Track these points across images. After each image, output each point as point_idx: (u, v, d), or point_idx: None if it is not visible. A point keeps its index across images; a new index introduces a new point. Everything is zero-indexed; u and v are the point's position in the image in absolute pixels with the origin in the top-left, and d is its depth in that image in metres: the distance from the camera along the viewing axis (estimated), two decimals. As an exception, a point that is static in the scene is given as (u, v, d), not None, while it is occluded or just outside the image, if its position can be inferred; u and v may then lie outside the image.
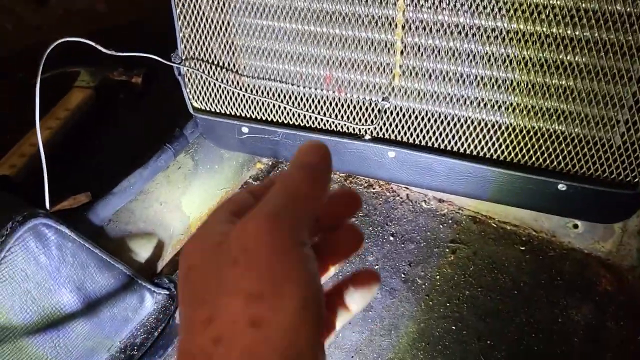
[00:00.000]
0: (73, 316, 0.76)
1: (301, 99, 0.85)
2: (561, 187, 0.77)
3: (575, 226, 0.92)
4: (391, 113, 0.81)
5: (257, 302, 0.29)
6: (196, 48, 0.87)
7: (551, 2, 0.67)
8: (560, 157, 0.75)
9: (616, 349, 0.80)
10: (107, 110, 1.15)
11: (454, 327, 0.85)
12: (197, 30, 0.86)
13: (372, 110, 0.82)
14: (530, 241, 0.95)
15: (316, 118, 0.85)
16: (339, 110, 0.84)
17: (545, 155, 0.76)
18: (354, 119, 0.83)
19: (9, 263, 0.68)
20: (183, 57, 0.88)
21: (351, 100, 0.82)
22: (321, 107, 0.85)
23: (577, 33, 0.68)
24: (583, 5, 0.66)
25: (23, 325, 0.71)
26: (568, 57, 0.69)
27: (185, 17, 0.85)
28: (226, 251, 0.31)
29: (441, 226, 0.99)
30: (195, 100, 0.92)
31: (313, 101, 0.85)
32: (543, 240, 0.94)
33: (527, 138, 0.76)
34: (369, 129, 0.82)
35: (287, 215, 0.32)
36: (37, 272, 0.71)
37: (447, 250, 0.95)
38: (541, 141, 0.75)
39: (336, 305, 0.35)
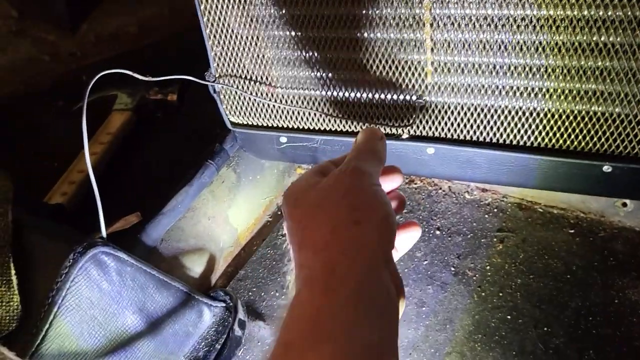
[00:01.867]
0: (138, 336, 0.79)
1: (336, 104, 0.86)
2: (606, 168, 0.76)
3: (624, 204, 0.90)
4: (427, 110, 0.82)
5: (357, 211, 0.44)
6: (228, 65, 0.89)
7: (580, -15, 0.66)
8: (603, 139, 0.74)
9: (678, 326, 0.79)
10: (146, 130, 1.18)
11: (509, 317, 0.85)
12: (228, 48, 0.87)
13: (408, 109, 0.82)
14: (579, 223, 0.94)
15: (352, 122, 0.86)
16: (374, 112, 0.85)
17: (588, 138, 0.75)
18: (390, 119, 0.84)
19: (75, 292, 0.71)
20: (217, 75, 0.90)
21: (386, 101, 0.83)
22: (356, 110, 0.85)
23: (609, 13, 0.67)
24: (613, -15, 0.65)
25: (93, 350, 0.74)
26: (602, 38, 0.68)
27: (215, 36, 0.87)
28: (326, 186, 0.47)
29: (487, 216, 0.99)
30: (232, 115, 0.94)
31: (348, 105, 0.86)
32: (592, 222, 0.93)
33: (567, 122, 0.75)
34: (406, 127, 0.83)
35: (365, 168, 0.48)
36: (101, 298, 0.74)
37: (495, 239, 0.95)
38: (582, 124, 0.75)
39: None
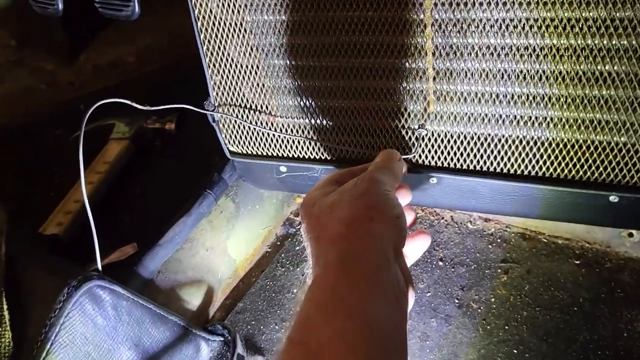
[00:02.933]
0: (133, 373, 0.77)
1: (337, 133, 0.85)
2: (613, 198, 0.75)
3: (630, 235, 0.89)
4: (429, 139, 0.80)
5: (371, 209, 0.49)
6: (228, 94, 0.88)
7: (584, 14, 0.66)
8: (609, 169, 0.73)
9: (689, 360, 0.77)
10: (144, 160, 1.17)
11: (515, 351, 0.82)
12: (228, 77, 0.86)
13: (410, 138, 0.81)
14: (584, 254, 0.92)
15: (353, 151, 0.85)
16: (376, 141, 0.83)
17: (593, 168, 0.74)
18: (392, 148, 0.83)
19: (68, 328, 0.69)
20: (216, 104, 0.89)
21: (388, 129, 0.82)
22: (357, 139, 0.84)
23: (613, 42, 0.66)
24: (617, 14, 0.64)
25: (86, 388, 0.71)
26: (607, 67, 0.68)
27: (215, 65, 0.86)
28: (343, 190, 0.53)
29: (490, 246, 0.97)
30: (232, 145, 0.93)
31: (349, 134, 0.84)
32: (598, 252, 0.92)
33: (572, 152, 0.74)
34: (407, 157, 0.82)
35: (380, 178, 0.54)
36: (96, 333, 0.72)
37: (499, 270, 0.93)
38: (587, 154, 0.74)
39: None
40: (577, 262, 0.91)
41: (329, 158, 0.88)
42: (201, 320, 0.95)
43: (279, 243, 1.11)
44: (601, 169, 0.74)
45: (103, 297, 0.72)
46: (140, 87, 1.41)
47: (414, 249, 0.59)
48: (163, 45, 1.51)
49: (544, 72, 0.70)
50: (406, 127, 0.81)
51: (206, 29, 0.84)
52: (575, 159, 0.74)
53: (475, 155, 0.79)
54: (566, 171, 0.75)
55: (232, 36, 0.83)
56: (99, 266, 0.77)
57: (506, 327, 0.86)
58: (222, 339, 0.89)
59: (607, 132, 0.71)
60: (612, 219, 0.77)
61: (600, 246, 0.92)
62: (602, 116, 0.71)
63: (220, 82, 0.88)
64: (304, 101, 0.85)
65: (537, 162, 0.76)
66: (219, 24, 0.83)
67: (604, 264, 0.90)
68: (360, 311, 0.41)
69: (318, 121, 0.85)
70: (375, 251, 0.46)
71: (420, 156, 0.82)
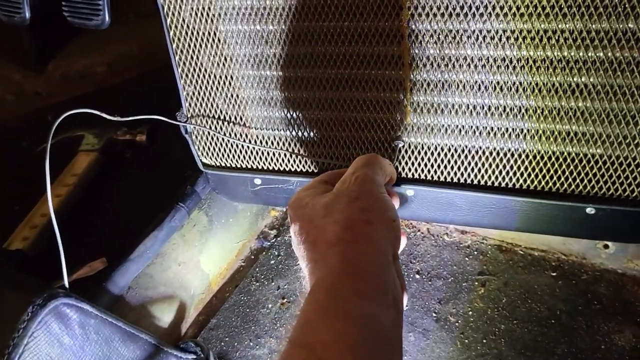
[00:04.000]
0: (101, 395, 0.73)
1: (312, 144, 0.84)
2: (590, 210, 0.75)
3: (606, 246, 0.89)
4: (406, 151, 0.80)
5: (368, 212, 0.49)
6: (201, 105, 0.86)
7: (560, 26, 0.66)
8: (586, 181, 0.73)
9: (666, 372, 0.77)
10: (114, 172, 1.14)
11: (493, 365, 0.82)
12: (201, 87, 0.85)
13: (386, 150, 0.80)
14: (560, 266, 0.92)
15: (329, 164, 0.84)
16: (352, 153, 0.82)
17: (570, 179, 0.74)
18: (368, 160, 0.82)
19: (33, 349, 0.65)
20: (189, 115, 0.87)
21: (364, 141, 0.81)
22: (333, 151, 0.83)
23: (589, 54, 0.66)
24: (593, 26, 0.64)
25: (51, 412, 0.68)
26: (582, 79, 0.68)
27: (187, 75, 0.84)
28: (337, 191, 0.53)
29: (467, 259, 0.96)
30: (205, 157, 0.91)
31: (325, 146, 0.83)
32: (574, 264, 0.92)
33: (549, 164, 0.74)
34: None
35: (373, 176, 0.54)
36: (62, 354, 0.69)
37: (477, 283, 0.92)
38: (564, 166, 0.73)
39: None
40: (554, 274, 0.91)
41: (304, 170, 0.86)
42: (173, 338, 0.92)
43: (253, 257, 1.09)
44: (578, 180, 0.73)
45: (70, 316, 0.69)
46: (110, 97, 1.38)
47: None
48: (134, 56, 1.48)
49: (520, 83, 0.70)
50: (383, 139, 0.80)
51: (179, 39, 0.82)
52: (552, 171, 0.74)
53: (452, 167, 0.78)
54: (543, 183, 0.75)
55: (206, 46, 0.81)
56: (66, 283, 0.74)
57: (484, 341, 0.85)
58: (194, 356, 0.86)
59: (583, 144, 0.71)
60: (588, 230, 0.77)
61: (576, 258, 0.92)
62: (579, 128, 0.71)
63: (193, 93, 0.86)
64: (279, 112, 0.83)
65: (515, 174, 0.76)
66: (192, 33, 0.81)
67: (580, 275, 0.90)
68: (361, 314, 0.41)
69: (293, 133, 0.84)
70: (375, 255, 0.46)
71: (397, 168, 0.81)
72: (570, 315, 0.85)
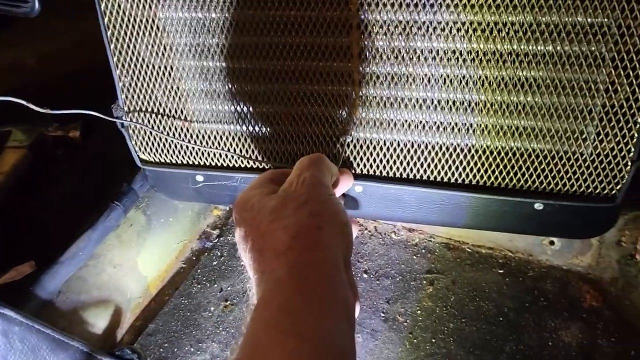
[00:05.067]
0: (27, 409, 0.68)
1: (257, 140, 0.80)
2: (538, 206, 0.74)
3: (552, 243, 0.89)
4: (355, 146, 0.77)
5: (318, 217, 0.46)
6: (139, 97, 0.81)
7: (510, 18, 0.65)
8: (535, 176, 0.72)
9: (612, 367, 0.77)
10: (45, 170, 1.07)
11: (443, 365, 0.80)
12: (139, 78, 0.80)
13: (335, 145, 0.78)
14: (507, 263, 0.92)
15: (275, 159, 0.81)
16: (299, 149, 0.79)
17: (519, 174, 0.73)
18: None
19: (-54, 361, 0.59)
20: (125, 108, 0.82)
21: (311, 136, 0.78)
22: (279, 146, 0.80)
23: (539, 48, 0.65)
24: (543, 19, 0.64)
25: None
26: (532, 73, 0.67)
27: (124, 65, 0.79)
28: (284, 194, 0.49)
29: (415, 257, 0.95)
30: (143, 152, 0.86)
31: (270, 141, 0.80)
32: (520, 261, 0.92)
33: (498, 159, 0.73)
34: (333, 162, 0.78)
35: (321, 178, 0.51)
36: (-19, 366, 0.63)
37: (425, 282, 0.91)
38: (513, 161, 0.73)
39: None
40: (501, 271, 0.91)
41: (248, 166, 0.83)
42: (107, 345, 0.87)
43: (194, 258, 1.04)
44: (527, 176, 0.73)
45: (-9, 324, 0.63)
46: (41, 92, 1.30)
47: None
48: (67, 49, 1.41)
49: (470, 77, 0.69)
50: (331, 133, 0.77)
51: (114, 26, 0.77)
52: (501, 166, 0.73)
53: (401, 163, 0.77)
54: (492, 178, 0.74)
55: (143, 34, 0.77)
56: (-13, 288, 0.68)
57: (433, 340, 0.83)
58: (131, 364, 0.81)
59: (532, 139, 0.71)
60: (537, 226, 0.76)
61: (522, 255, 0.92)
62: (527, 123, 0.70)
63: (130, 84, 0.81)
64: (222, 106, 0.79)
65: (464, 169, 0.75)
66: (129, 20, 0.76)
67: (527, 272, 0.90)
68: (314, 330, 0.38)
69: (237, 127, 0.80)
70: (326, 264, 0.43)
71: (345, 163, 0.78)
72: (518, 312, 0.85)
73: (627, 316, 0.84)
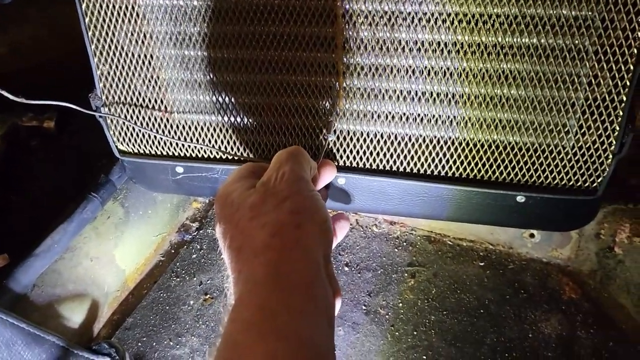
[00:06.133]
0: (1, 405, 0.66)
1: (239, 131, 0.79)
2: (520, 199, 0.74)
3: (532, 235, 0.90)
4: (338, 138, 0.76)
5: (298, 215, 0.44)
6: (117, 86, 0.79)
7: (495, 10, 0.65)
8: (517, 168, 0.73)
9: (591, 358, 0.78)
10: (18, 161, 1.04)
11: (424, 357, 0.80)
12: (117, 67, 0.78)
13: (318, 136, 0.77)
14: (488, 256, 0.92)
15: (257, 150, 0.79)
16: (282, 140, 0.78)
17: (502, 167, 0.73)
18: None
19: None
20: (103, 97, 0.80)
21: (294, 127, 0.77)
22: (262, 138, 0.79)
23: (523, 40, 0.65)
24: (528, 11, 0.64)
25: None
26: (517, 66, 0.67)
27: (102, 53, 0.77)
28: (263, 189, 0.47)
29: (396, 250, 0.95)
30: (121, 143, 0.84)
31: (252, 133, 0.79)
32: (501, 254, 0.92)
33: (481, 152, 0.73)
34: (315, 156, 0.77)
35: (301, 173, 0.50)
36: (-47, 361, 0.61)
37: (406, 274, 0.91)
38: (496, 154, 0.73)
39: None
40: (482, 264, 0.91)
41: (230, 157, 0.82)
42: (84, 339, 0.85)
43: (173, 251, 1.03)
44: (509, 168, 0.73)
45: (-37, 318, 0.61)
46: (15, 82, 1.26)
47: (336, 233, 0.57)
48: (42, 37, 1.37)
49: (455, 69, 0.69)
50: (314, 125, 0.76)
51: (92, 12, 0.75)
52: (484, 159, 0.73)
53: (384, 155, 0.76)
54: (475, 171, 0.74)
55: (123, 21, 0.75)
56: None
57: (415, 333, 0.83)
58: (109, 359, 0.80)
59: (515, 132, 0.71)
60: (518, 219, 0.77)
61: (503, 247, 0.93)
62: (511, 115, 0.70)
63: (109, 73, 0.79)
64: (203, 96, 0.78)
65: (447, 162, 0.74)
66: (107, 6, 0.74)
67: (507, 265, 0.91)
68: (294, 330, 0.37)
69: (219, 118, 0.79)
70: (306, 262, 0.42)
71: (328, 155, 0.78)
72: (499, 304, 0.85)
73: (605, 308, 0.85)
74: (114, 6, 0.74)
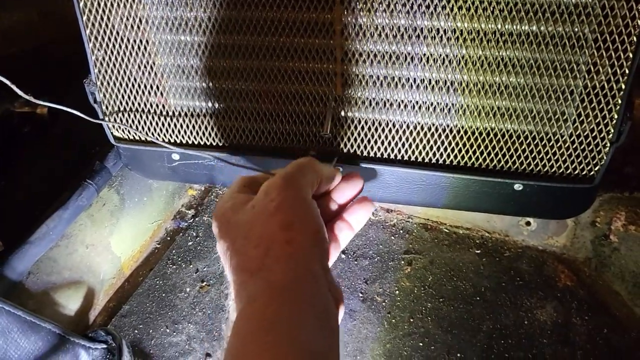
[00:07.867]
0: (-2, 392, 0.66)
1: (236, 118, 0.78)
2: (517, 187, 0.75)
3: (528, 223, 0.90)
4: (335, 125, 0.76)
5: (289, 230, 0.44)
6: (112, 72, 0.78)
7: (496, -4, 0.64)
8: (515, 157, 0.73)
9: (585, 345, 0.78)
10: (11, 148, 1.03)
11: (421, 344, 0.80)
12: (112, 52, 0.77)
13: (315, 124, 0.76)
14: (484, 243, 0.92)
15: (254, 137, 0.79)
16: (279, 128, 0.78)
17: (500, 155, 0.73)
18: (295, 135, 0.78)
19: None
20: (98, 83, 0.79)
21: (292, 114, 0.77)
22: (259, 125, 0.78)
23: (524, 28, 0.65)
24: (529, -2, 0.63)
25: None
26: (516, 53, 0.67)
27: (97, 39, 0.76)
28: (255, 203, 0.46)
29: (393, 237, 0.95)
30: (117, 129, 0.83)
31: (249, 120, 0.78)
32: (497, 241, 0.92)
33: (479, 140, 0.73)
34: (313, 144, 0.77)
35: (295, 179, 0.48)
36: (-51, 349, 0.60)
37: (403, 262, 0.91)
38: (494, 142, 0.73)
39: (341, 229, 0.53)
40: (478, 251, 0.92)
41: (226, 144, 0.81)
42: (80, 327, 0.85)
43: (169, 238, 1.02)
44: (507, 156, 0.73)
45: (-41, 305, 0.61)
46: (6, 67, 1.25)
47: (359, 218, 0.54)
48: (33, 22, 1.35)
49: (454, 56, 0.68)
50: (311, 111, 0.76)
51: (87, -4, 0.74)
52: (482, 147, 0.73)
53: (382, 143, 0.76)
54: (473, 159, 0.74)
55: (119, 6, 0.74)
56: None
57: (411, 320, 0.83)
58: (105, 346, 0.80)
59: (514, 120, 0.71)
60: (516, 207, 0.77)
61: (499, 235, 0.93)
62: (510, 104, 0.70)
63: (104, 59, 0.78)
64: (200, 83, 0.77)
65: (445, 149, 0.74)
66: (102, -9, 0.73)
67: (504, 252, 0.91)
68: (295, 344, 0.38)
69: (216, 105, 0.78)
70: (302, 275, 0.42)
71: (326, 143, 0.77)
72: (495, 292, 0.85)
73: (600, 295, 0.85)
74: (109, -10, 0.73)
